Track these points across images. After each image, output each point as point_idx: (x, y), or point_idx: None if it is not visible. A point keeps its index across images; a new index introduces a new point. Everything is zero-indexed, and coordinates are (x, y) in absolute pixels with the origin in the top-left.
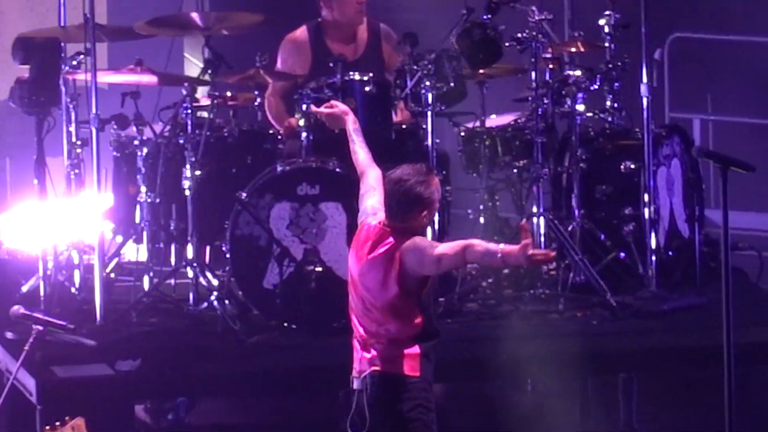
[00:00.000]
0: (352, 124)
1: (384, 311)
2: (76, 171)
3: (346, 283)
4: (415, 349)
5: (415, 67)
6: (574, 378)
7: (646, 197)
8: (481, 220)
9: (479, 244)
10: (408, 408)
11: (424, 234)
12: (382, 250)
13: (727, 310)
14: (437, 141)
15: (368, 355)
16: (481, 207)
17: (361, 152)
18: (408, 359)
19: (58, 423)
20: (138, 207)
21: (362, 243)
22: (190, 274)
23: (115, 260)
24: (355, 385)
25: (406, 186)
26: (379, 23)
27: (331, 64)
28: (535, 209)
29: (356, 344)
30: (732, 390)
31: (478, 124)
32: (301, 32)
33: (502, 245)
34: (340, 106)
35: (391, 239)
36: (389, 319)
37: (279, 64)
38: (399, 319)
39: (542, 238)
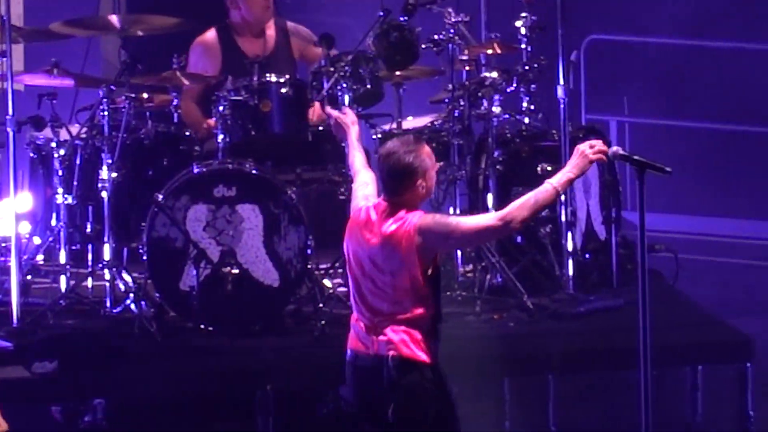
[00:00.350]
0: (355, 134)
1: (399, 290)
2: None
3: (262, 285)
4: (428, 332)
5: (331, 69)
6: (490, 380)
7: (562, 199)
8: None
9: (524, 200)
10: (422, 392)
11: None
12: (394, 227)
13: (644, 312)
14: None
15: (384, 338)
16: None
17: (358, 156)
18: (422, 343)
19: None
20: (55, 209)
21: (366, 225)
22: (107, 275)
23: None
24: (359, 362)
25: (394, 158)
26: (286, 21)
27: (247, 65)
28: (451, 211)
29: (361, 326)
30: (648, 391)
31: (394, 125)
32: (210, 34)
33: (549, 182)
34: (350, 115)
35: (402, 215)
36: (405, 297)
37: (190, 67)
38: (414, 297)
39: None
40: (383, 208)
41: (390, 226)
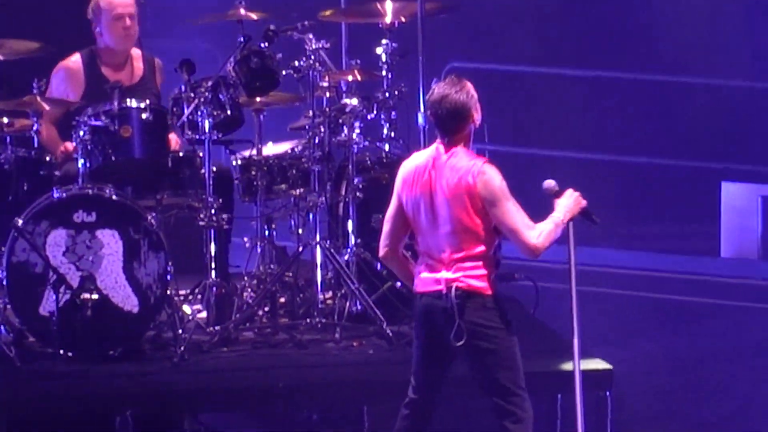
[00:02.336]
0: None
1: (460, 229)
2: None
3: (122, 310)
4: (489, 266)
5: (191, 95)
6: (350, 407)
7: None
8: (258, 248)
9: (545, 225)
10: (484, 321)
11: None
12: (463, 168)
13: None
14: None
15: (447, 276)
16: (258, 235)
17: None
18: (484, 277)
19: None
20: None
21: (427, 168)
22: None
23: None
24: (425, 301)
25: (449, 100)
26: (155, 58)
27: (108, 90)
28: (311, 239)
29: (424, 269)
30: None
31: (254, 152)
32: (75, 59)
33: (555, 216)
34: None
35: (470, 160)
36: (465, 236)
37: (52, 91)
38: (474, 235)
39: (318, 268)
40: (446, 151)
41: (459, 162)
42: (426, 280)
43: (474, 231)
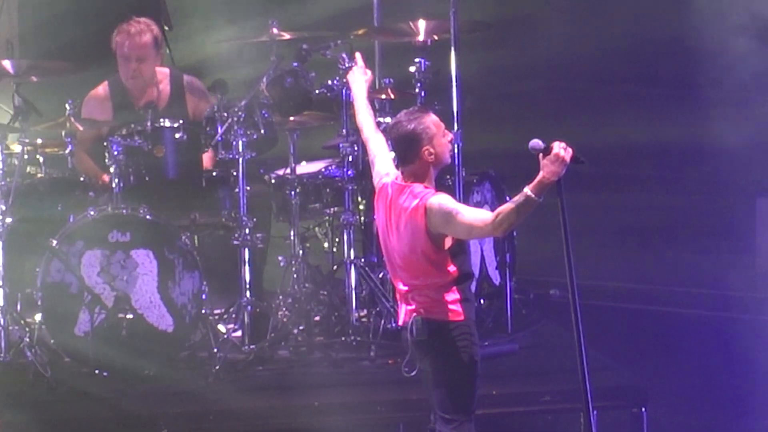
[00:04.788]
0: (366, 90)
1: (417, 260)
2: None
3: (157, 330)
4: (455, 295)
5: (225, 114)
6: (385, 425)
7: None
8: (293, 267)
9: (505, 207)
10: (453, 347)
11: (433, 171)
12: (407, 204)
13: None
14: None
15: (412, 307)
16: (292, 254)
17: (368, 118)
18: (451, 305)
19: None
20: None
21: (392, 201)
22: (1, 321)
23: None
24: (402, 331)
25: (398, 127)
26: (183, 75)
27: (140, 111)
28: (345, 257)
29: (399, 300)
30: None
31: (288, 171)
32: (103, 88)
33: (525, 189)
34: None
35: (419, 191)
36: (423, 266)
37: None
38: (432, 266)
39: (353, 286)
40: (400, 181)
41: (406, 200)
42: (400, 312)
43: (429, 261)
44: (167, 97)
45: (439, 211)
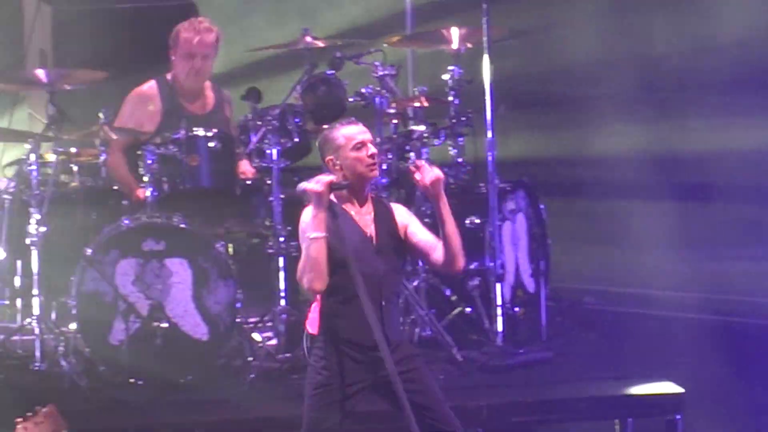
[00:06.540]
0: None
1: None
2: None
3: (192, 339)
4: (321, 308)
5: (259, 123)
6: None
7: (491, 252)
8: None
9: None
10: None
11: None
12: None
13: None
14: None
15: None
16: None
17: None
18: (315, 318)
19: (29, 414)
20: None
21: None
22: (36, 330)
23: None
24: None
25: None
26: (222, 89)
27: (185, 120)
28: None
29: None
30: None
31: None
32: (150, 87)
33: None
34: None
35: None
36: None
37: (124, 117)
38: None
39: None
40: None
41: None
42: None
43: None
44: (212, 105)
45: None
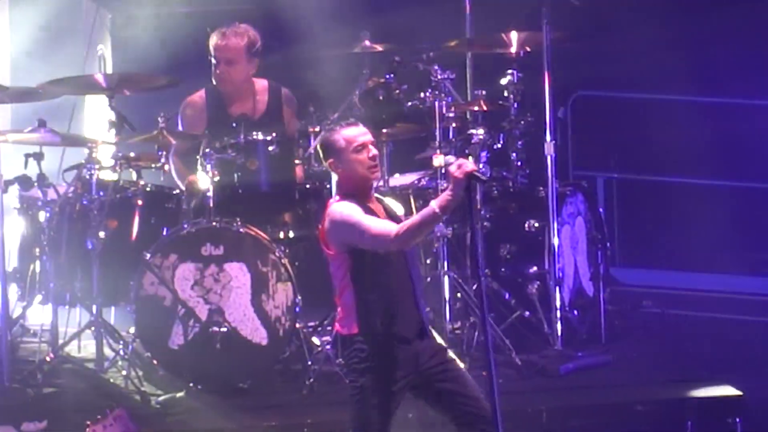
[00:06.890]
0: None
1: (332, 272)
2: None
3: (251, 343)
4: (357, 307)
5: (318, 128)
6: None
7: (550, 256)
8: None
9: (413, 222)
10: (353, 362)
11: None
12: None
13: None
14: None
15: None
16: None
17: None
18: (352, 318)
19: (99, 417)
20: (43, 268)
21: None
22: (96, 334)
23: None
24: None
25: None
26: (281, 87)
27: (234, 125)
28: (439, 269)
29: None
30: None
31: (381, 183)
32: (199, 95)
33: (432, 204)
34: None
35: (330, 201)
36: (335, 278)
37: (180, 126)
38: (338, 277)
39: (446, 298)
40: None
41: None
42: None
43: (335, 274)
44: (264, 108)
45: (341, 218)
